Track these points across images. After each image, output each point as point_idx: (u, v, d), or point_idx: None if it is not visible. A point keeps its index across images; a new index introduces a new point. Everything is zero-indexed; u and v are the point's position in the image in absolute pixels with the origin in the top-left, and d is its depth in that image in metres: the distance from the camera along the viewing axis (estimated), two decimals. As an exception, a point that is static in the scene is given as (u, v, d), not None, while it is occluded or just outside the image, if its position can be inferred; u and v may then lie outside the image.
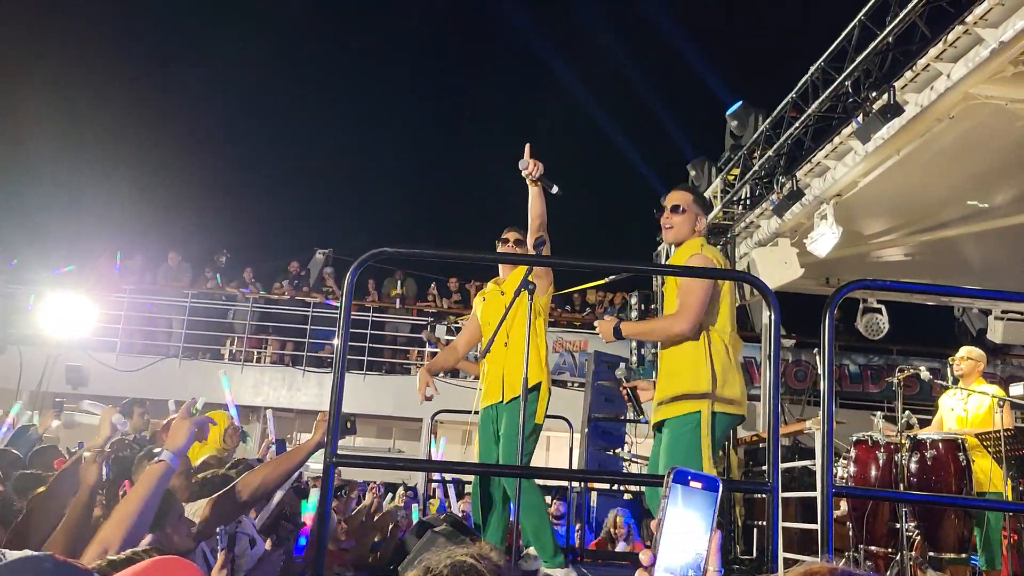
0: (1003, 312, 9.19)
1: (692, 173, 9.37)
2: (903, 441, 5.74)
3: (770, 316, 2.82)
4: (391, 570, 4.28)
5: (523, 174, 3.96)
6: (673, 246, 3.91)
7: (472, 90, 24.60)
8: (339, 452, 2.70)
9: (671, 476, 1.06)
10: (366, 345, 13.20)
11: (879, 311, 9.54)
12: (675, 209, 3.82)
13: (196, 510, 3.24)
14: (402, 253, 3.21)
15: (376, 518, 5.68)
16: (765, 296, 2.84)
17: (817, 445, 6.24)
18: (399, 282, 13.76)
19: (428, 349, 13.54)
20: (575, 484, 8.20)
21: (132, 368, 12.63)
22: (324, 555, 2.60)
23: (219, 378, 12.77)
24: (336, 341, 2.65)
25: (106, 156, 18.56)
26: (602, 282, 10.82)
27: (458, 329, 13.17)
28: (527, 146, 3.93)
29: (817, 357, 7.82)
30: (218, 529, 2.57)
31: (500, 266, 4.84)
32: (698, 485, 1.06)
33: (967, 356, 6.10)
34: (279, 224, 20.97)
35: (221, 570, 2.53)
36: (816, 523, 5.71)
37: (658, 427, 3.72)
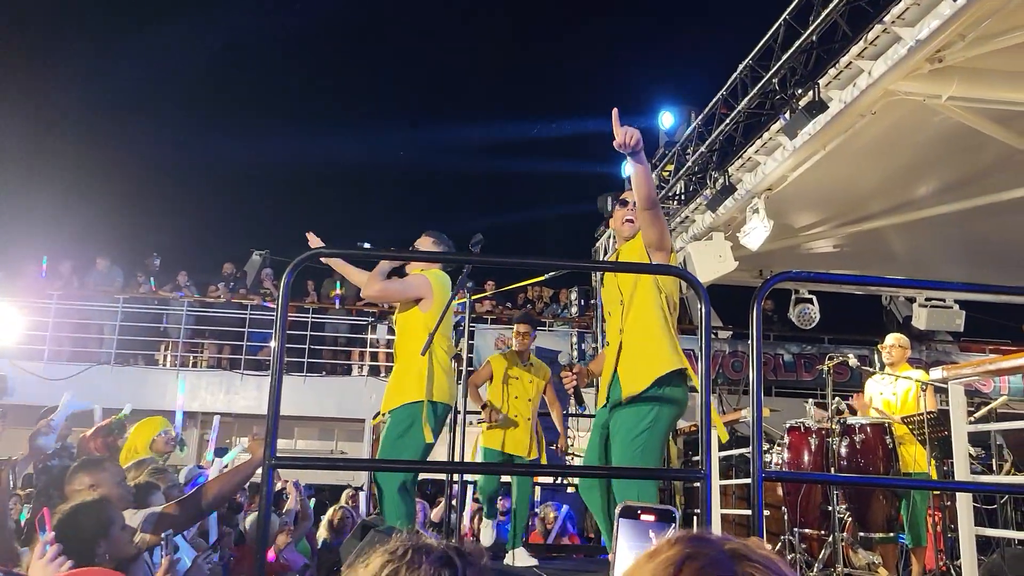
0: (927, 300, 9.54)
1: (629, 171, 9.52)
2: (834, 427, 5.92)
3: (701, 308, 2.91)
4: (335, 571, 4.29)
5: (617, 148, 3.34)
6: (623, 239, 3.89)
7: (413, 89, 24.53)
8: (279, 455, 2.71)
9: (619, 513, 1.03)
10: (306, 347, 13.07)
11: (810, 301, 9.82)
12: (622, 204, 3.85)
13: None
14: (338, 253, 3.25)
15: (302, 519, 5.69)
16: (696, 289, 2.93)
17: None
18: (338, 283, 13.62)
19: (369, 349, 13.47)
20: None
21: (61, 376, 12.27)
22: (265, 557, 2.61)
23: (154, 384, 12.58)
24: (273, 343, 2.65)
25: (29, 160, 18.00)
26: (542, 279, 10.90)
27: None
28: (614, 112, 3.32)
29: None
30: (163, 535, 2.57)
31: None
32: (651, 518, 1.04)
33: (897, 344, 6.28)
34: (213, 226, 20.59)
35: (166, 574, 2.53)
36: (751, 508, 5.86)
37: (613, 406, 3.65)
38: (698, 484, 2.78)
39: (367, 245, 4.04)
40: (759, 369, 2.78)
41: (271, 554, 5.02)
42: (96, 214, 17.35)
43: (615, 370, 3.63)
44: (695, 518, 7.56)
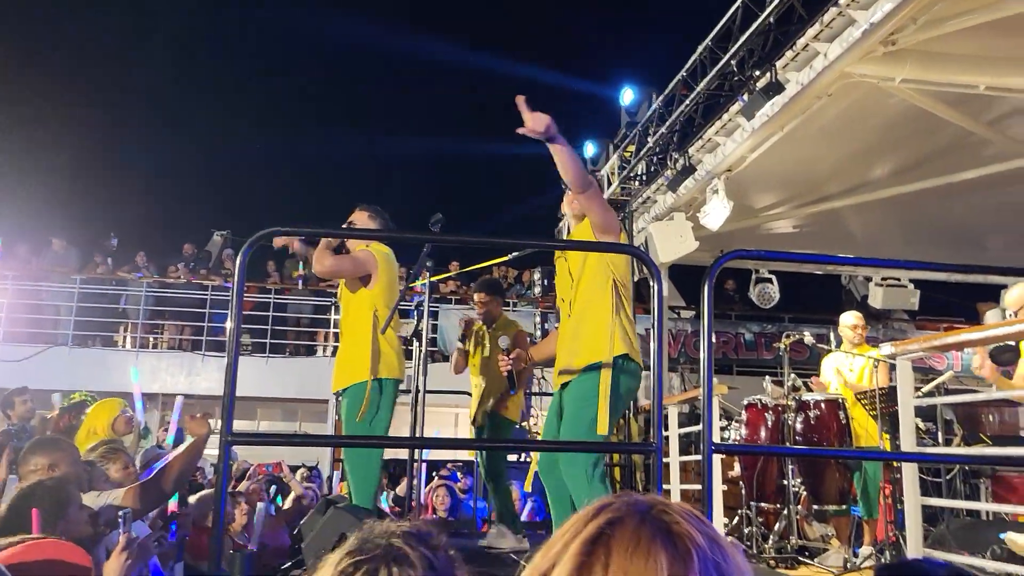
0: (883, 279, 9.73)
1: (591, 153, 9.57)
2: (789, 403, 6.06)
3: (654, 287, 2.98)
4: (295, 548, 4.32)
5: (528, 134, 3.30)
6: (575, 220, 3.92)
7: (371, 69, 24.32)
8: (235, 432, 2.73)
9: None
10: (268, 328, 13.01)
11: (770, 281, 9.96)
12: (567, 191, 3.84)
13: (115, 498, 3.23)
14: (295, 232, 3.26)
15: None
16: (649, 268, 2.99)
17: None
18: (300, 263, 13.54)
19: (333, 330, 13.44)
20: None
21: (17, 358, 12.10)
22: (222, 536, 2.63)
23: (113, 366, 12.44)
24: (229, 324, 2.67)
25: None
26: (506, 259, 10.94)
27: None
28: (520, 100, 3.27)
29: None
30: (119, 512, 2.58)
31: None
32: None
33: (859, 323, 6.37)
34: (173, 206, 20.33)
35: (123, 552, 2.54)
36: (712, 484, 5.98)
37: (563, 386, 3.70)
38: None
39: None
40: (710, 345, 2.85)
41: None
42: (52, 194, 17.04)
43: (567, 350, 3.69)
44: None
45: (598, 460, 3.45)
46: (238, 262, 2.74)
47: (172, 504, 4.12)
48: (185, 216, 19.11)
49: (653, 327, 2.93)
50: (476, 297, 5.93)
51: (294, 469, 8.79)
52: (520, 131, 3.27)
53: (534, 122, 3.26)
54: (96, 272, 13.16)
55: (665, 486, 7.35)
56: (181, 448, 3.43)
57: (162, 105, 22.11)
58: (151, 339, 13.32)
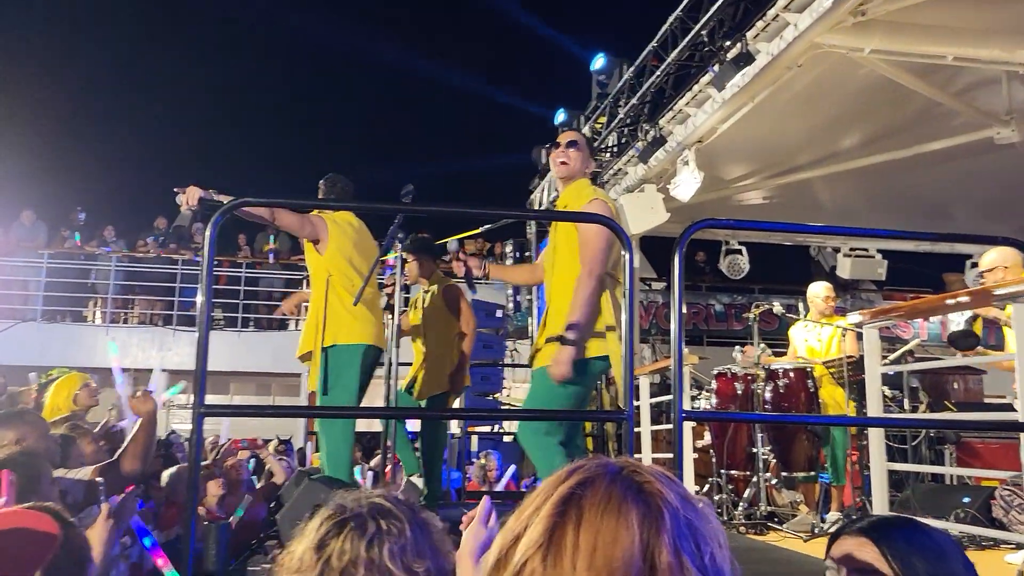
0: (851, 250, 9.83)
1: (561, 119, 9.53)
2: (758, 372, 6.13)
3: (625, 257, 2.99)
4: (270, 520, 4.33)
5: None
6: (561, 183, 3.87)
7: (346, 31, 24.01)
8: (207, 404, 2.72)
9: None
10: (240, 302, 12.92)
11: (740, 252, 10.03)
12: (572, 144, 3.79)
13: (83, 475, 3.22)
14: (264, 203, 3.23)
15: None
16: (619, 237, 3.00)
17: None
18: (271, 236, 13.45)
19: (305, 303, 13.37)
20: (455, 429, 8.38)
21: (-16, 334, 11.95)
22: (196, 508, 2.63)
23: (84, 341, 12.31)
24: (199, 297, 2.65)
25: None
26: (478, 231, 10.91)
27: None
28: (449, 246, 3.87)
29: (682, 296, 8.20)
30: (99, 482, 2.57)
31: None
32: None
33: (829, 294, 6.42)
34: (142, 179, 20.04)
35: (107, 520, 2.53)
36: (682, 452, 6.05)
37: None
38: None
39: None
40: (681, 315, 2.87)
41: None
42: (18, 166, 16.71)
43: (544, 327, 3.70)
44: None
45: (557, 428, 3.51)
46: (207, 235, 2.71)
47: None
48: (156, 189, 18.85)
49: (624, 298, 2.95)
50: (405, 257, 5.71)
51: (266, 442, 8.79)
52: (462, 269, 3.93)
53: (474, 265, 3.94)
54: (63, 247, 12.97)
55: (636, 455, 7.44)
56: (133, 429, 3.41)
57: (133, 75, 21.73)
58: (122, 314, 13.19)
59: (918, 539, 1.39)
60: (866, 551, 1.40)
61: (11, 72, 18.93)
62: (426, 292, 5.73)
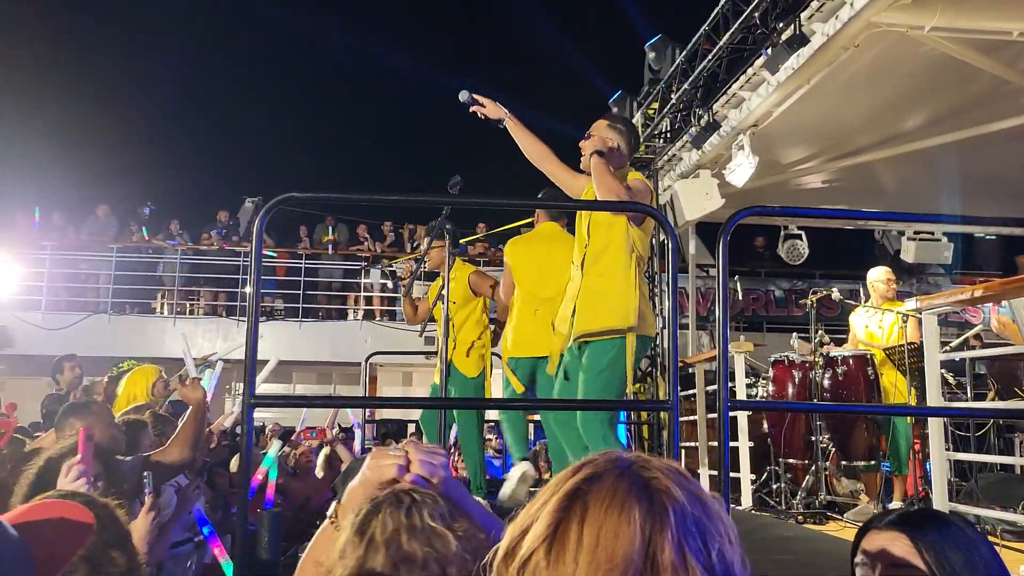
0: (915, 233, 9.56)
1: (614, 110, 9.45)
2: (816, 359, 6.03)
3: (668, 243, 2.97)
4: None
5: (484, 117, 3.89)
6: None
7: (392, 25, 24.21)
8: (257, 394, 2.79)
9: None
10: (300, 292, 13.16)
11: (799, 237, 9.85)
12: (586, 136, 3.85)
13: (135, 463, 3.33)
14: (312, 198, 3.27)
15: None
16: (663, 225, 2.97)
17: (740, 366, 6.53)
18: (330, 228, 13.67)
19: (363, 294, 13.56)
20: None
21: (60, 326, 12.39)
22: (248, 498, 2.70)
23: (152, 332, 12.70)
24: (248, 288, 2.71)
25: (20, 110, 17.85)
26: (530, 220, 10.91)
27: (392, 272, 13.21)
28: (464, 96, 3.87)
29: (737, 283, 8.12)
30: (144, 474, 2.65)
31: None
32: None
33: (890, 278, 6.26)
34: (206, 173, 20.53)
35: (149, 512, 2.61)
36: (738, 441, 5.99)
37: (581, 345, 3.74)
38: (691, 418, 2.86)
39: None
40: (725, 302, 2.85)
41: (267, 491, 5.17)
42: (89, 164, 17.30)
43: (572, 315, 3.72)
44: (683, 452, 7.74)
45: (613, 418, 3.59)
46: (255, 228, 2.77)
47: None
48: (219, 182, 19.33)
49: (667, 284, 2.93)
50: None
51: (344, 431, 8.97)
52: (481, 115, 3.87)
53: (488, 109, 3.81)
54: (131, 240, 13.38)
55: (692, 443, 7.39)
56: (184, 417, 3.50)
57: (198, 77, 22.26)
58: (187, 305, 13.55)
59: (950, 531, 1.35)
60: (899, 545, 1.37)
61: (79, 77, 19.58)
62: (452, 279, 5.63)
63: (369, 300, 13.75)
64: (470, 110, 3.92)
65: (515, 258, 5.11)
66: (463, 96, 3.86)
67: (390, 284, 12.56)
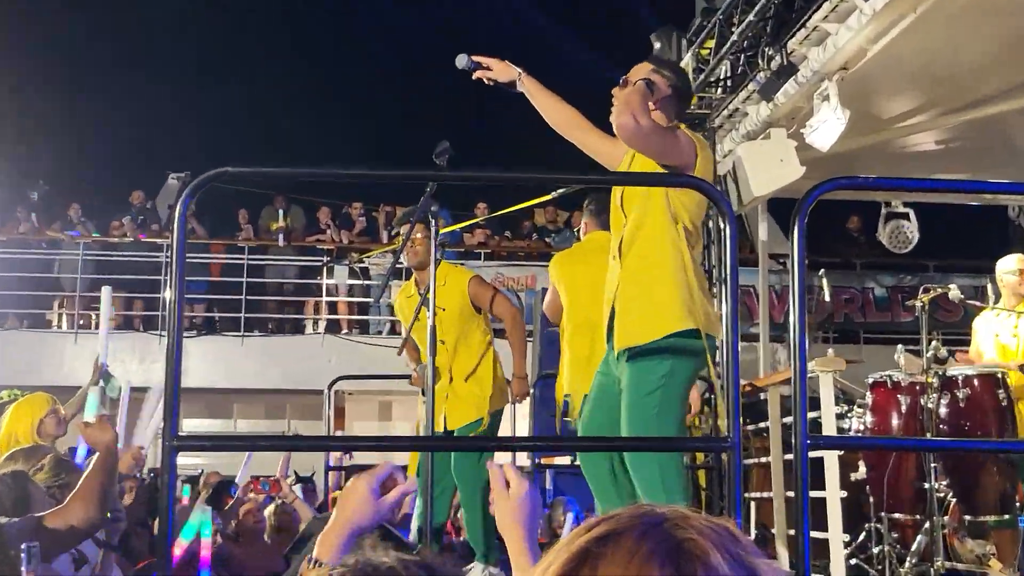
0: (1065, 210, 9.56)
1: (657, 46, 9.44)
2: (930, 379, 6.01)
3: (725, 231, 2.98)
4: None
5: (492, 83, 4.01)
6: None
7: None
8: (181, 435, 2.81)
9: None
10: (242, 298, 13.20)
11: (906, 217, 9.82)
12: (621, 83, 3.87)
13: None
14: (254, 173, 3.30)
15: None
16: (718, 205, 2.99)
17: (825, 390, 6.51)
18: (281, 212, 13.66)
19: (326, 299, 13.59)
20: (524, 461, 8.42)
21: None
22: (171, 556, 2.73)
23: (47, 352, 12.75)
24: (168, 293, 2.73)
25: None
26: (549, 197, 10.91)
27: (364, 271, 13.26)
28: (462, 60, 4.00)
29: (823, 279, 8.07)
30: (25, 545, 2.67)
31: None
32: None
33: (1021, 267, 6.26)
34: (118, 143, 20.58)
35: None
36: (824, 489, 6.01)
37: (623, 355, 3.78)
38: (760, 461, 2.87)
39: None
40: (802, 305, 2.85)
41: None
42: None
43: (612, 313, 3.76)
44: (751, 504, 7.74)
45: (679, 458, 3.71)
46: (177, 212, 2.79)
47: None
48: (133, 156, 19.36)
49: (724, 284, 2.94)
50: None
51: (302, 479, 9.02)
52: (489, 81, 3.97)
53: (494, 71, 3.93)
54: (18, 231, 13.41)
55: (764, 493, 7.37)
56: (89, 465, 3.51)
57: (103, 19, 22.32)
58: (93, 316, 13.57)
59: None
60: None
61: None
62: (441, 286, 5.58)
63: (333, 307, 13.79)
64: (473, 76, 4.00)
65: (566, 280, 5.44)
66: (461, 61, 3.93)
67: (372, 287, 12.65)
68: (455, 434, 5.49)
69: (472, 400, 5.51)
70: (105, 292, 5.62)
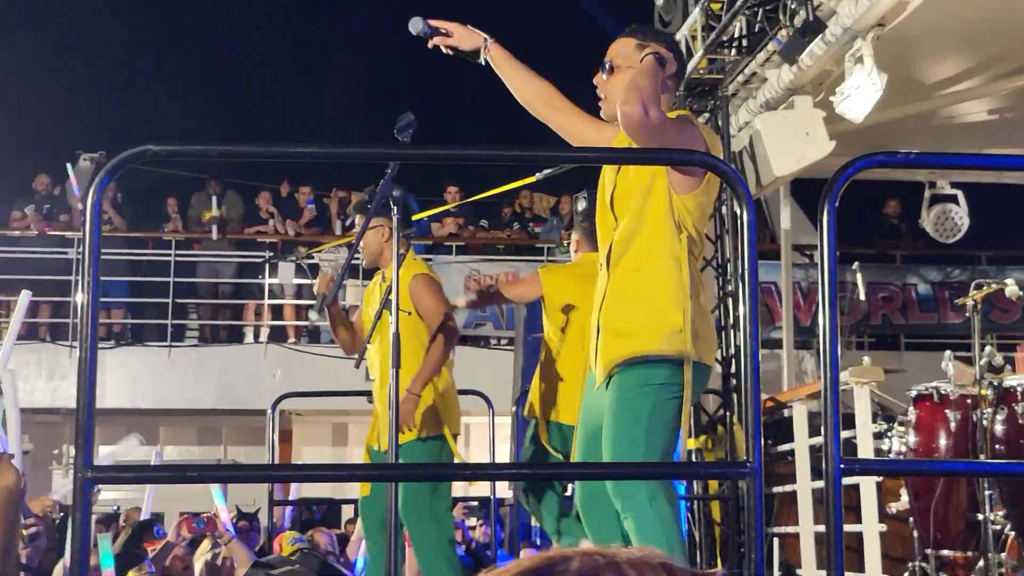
0: None
1: (659, 3, 9.44)
2: (984, 391, 6.04)
3: (742, 217, 2.98)
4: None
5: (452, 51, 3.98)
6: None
7: None
8: (98, 465, 2.80)
9: None
10: (169, 301, 13.14)
11: (954, 200, 9.86)
12: (606, 70, 3.88)
13: None
14: (182, 151, 3.27)
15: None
16: (733, 187, 2.99)
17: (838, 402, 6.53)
18: (215, 199, 13.60)
19: (269, 302, 13.55)
20: (506, 492, 8.38)
21: None
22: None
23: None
24: (81, 296, 2.72)
25: None
26: (533, 179, 10.90)
27: (313, 268, 13.21)
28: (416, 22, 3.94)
29: (857, 273, 8.08)
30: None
31: None
32: None
33: None
34: (17, 121, 20.46)
35: None
36: (860, 522, 6.04)
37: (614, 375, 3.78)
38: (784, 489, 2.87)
39: None
40: (834, 301, 2.85)
41: None
42: None
43: (596, 333, 3.78)
44: (775, 540, 7.75)
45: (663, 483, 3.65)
46: (90, 200, 2.77)
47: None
48: (39, 137, 19.26)
49: (742, 280, 2.94)
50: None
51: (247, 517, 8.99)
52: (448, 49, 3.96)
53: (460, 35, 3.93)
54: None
55: (790, 528, 7.39)
56: None
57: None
58: (-9, 323, 13.51)
59: None
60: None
61: None
62: (383, 284, 5.62)
63: (278, 311, 13.75)
64: (429, 44, 3.97)
65: (557, 295, 5.96)
66: (416, 26, 3.91)
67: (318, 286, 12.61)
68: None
69: (421, 413, 5.49)
70: (23, 297, 5.64)
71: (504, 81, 3.97)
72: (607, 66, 3.86)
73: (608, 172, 3.88)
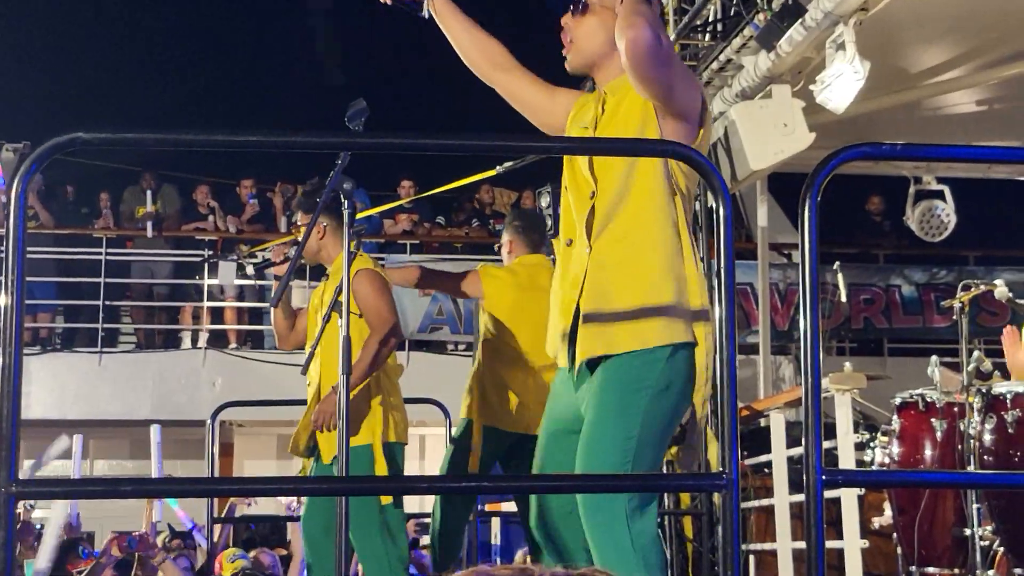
0: None
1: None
2: (971, 399, 6.08)
3: (719, 213, 2.98)
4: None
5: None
6: (598, 80, 3.77)
7: None
8: (24, 479, 2.77)
9: None
10: (100, 303, 13.06)
11: (940, 196, 9.92)
12: (578, 8, 3.65)
13: None
14: (113, 140, 3.23)
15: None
16: (708, 179, 2.99)
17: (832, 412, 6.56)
18: (149, 194, 13.53)
19: (208, 304, 13.48)
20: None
21: None
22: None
23: None
24: (3, 298, 2.70)
25: None
26: (493, 173, 10.87)
27: (260, 266, 13.13)
28: None
29: (837, 274, 8.13)
30: None
31: None
32: None
33: None
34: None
35: None
36: (842, 538, 6.07)
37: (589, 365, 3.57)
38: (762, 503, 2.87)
39: None
40: (815, 304, 2.86)
41: None
42: None
43: (574, 316, 3.53)
44: (751, 557, 7.79)
45: (648, 497, 3.51)
46: (14, 193, 2.75)
47: None
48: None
49: (719, 279, 2.94)
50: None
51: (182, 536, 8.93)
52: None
53: None
54: None
55: (768, 545, 7.42)
56: None
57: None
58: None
59: None
60: None
61: None
62: (328, 282, 5.75)
63: (218, 314, 13.68)
64: None
65: (497, 301, 6.07)
66: None
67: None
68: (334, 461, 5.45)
69: (356, 420, 5.47)
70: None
71: (447, 36, 3.78)
72: (580, 4, 3.63)
73: (581, 133, 3.65)
